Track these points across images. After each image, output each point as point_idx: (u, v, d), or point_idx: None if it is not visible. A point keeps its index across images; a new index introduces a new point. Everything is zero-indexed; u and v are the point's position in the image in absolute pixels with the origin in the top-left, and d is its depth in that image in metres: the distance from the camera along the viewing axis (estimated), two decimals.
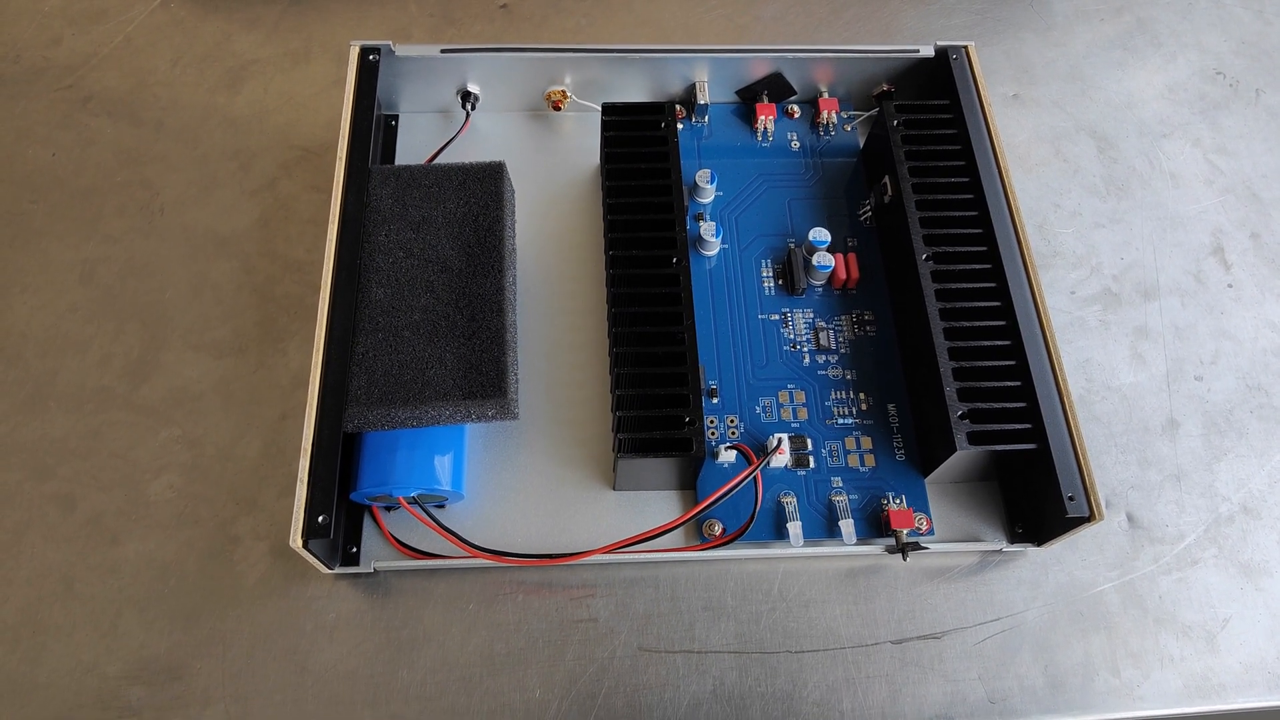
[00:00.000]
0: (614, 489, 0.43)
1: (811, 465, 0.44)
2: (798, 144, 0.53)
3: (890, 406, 0.45)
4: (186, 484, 0.43)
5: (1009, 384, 0.41)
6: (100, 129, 0.53)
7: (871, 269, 0.49)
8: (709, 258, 0.49)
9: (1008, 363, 0.42)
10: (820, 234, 0.48)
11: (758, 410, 0.45)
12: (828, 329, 0.47)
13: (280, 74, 0.56)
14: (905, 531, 0.41)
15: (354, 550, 0.41)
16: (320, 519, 0.36)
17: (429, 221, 0.44)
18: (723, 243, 0.50)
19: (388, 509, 0.42)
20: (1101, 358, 0.49)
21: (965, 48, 0.50)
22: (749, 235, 0.50)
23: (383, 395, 0.39)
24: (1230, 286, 0.52)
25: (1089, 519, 0.38)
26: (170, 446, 0.44)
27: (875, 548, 0.42)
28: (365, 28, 0.58)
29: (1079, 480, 0.39)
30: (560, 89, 0.52)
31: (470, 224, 0.44)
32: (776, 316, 0.48)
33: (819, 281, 0.49)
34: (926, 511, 0.43)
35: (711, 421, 0.45)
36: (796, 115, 0.54)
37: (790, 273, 0.48)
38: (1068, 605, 0.42)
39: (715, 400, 0.45)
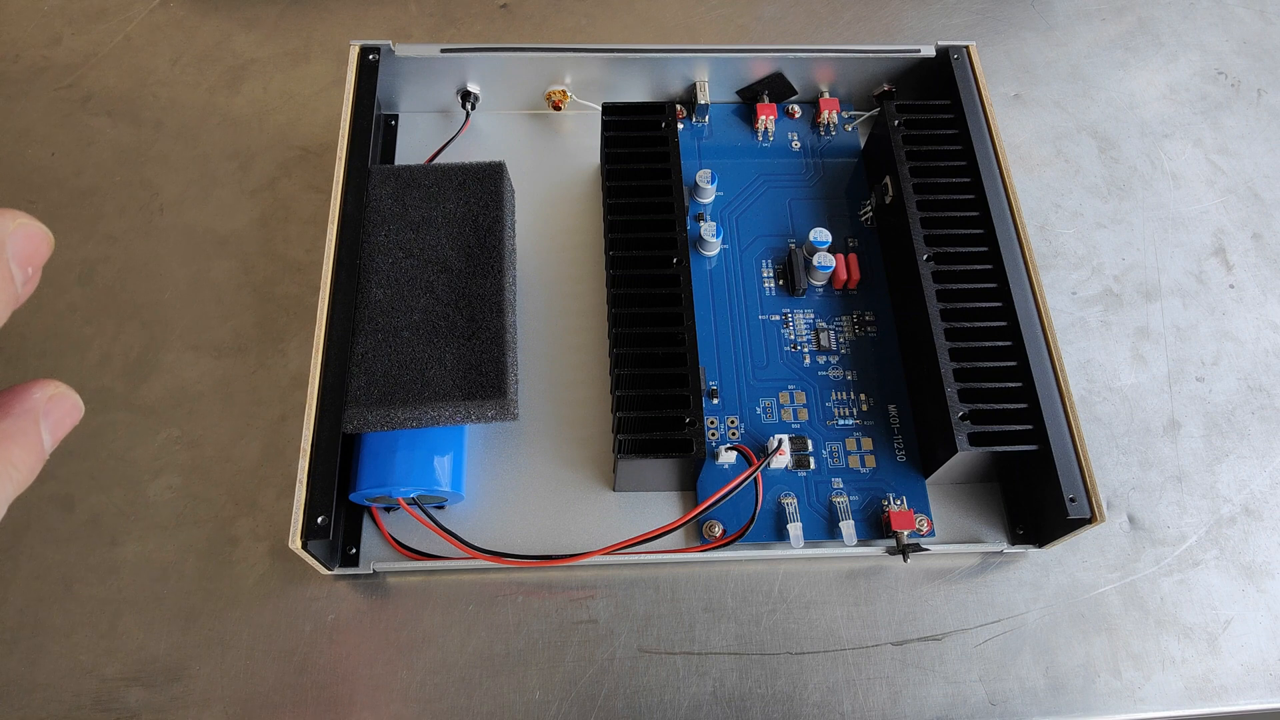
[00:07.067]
0: (614, 490, 0.43)
1: (812, 466, 0.44)
2: (798, 144, 0.53)
3: (891, 407, 0.45)
4: (186, 485, 0.43)
5: (1010, 385, 0.41)
6: (100, 129, 0.53)
7: (872, 269, 0.49)
8: (709, 258, 0.49)
9: (1009, 363, 0.42)
10: (821, 234, 0.48)
11: (758, 411, 0.45)
12: (828, 329, 0.47)
13: (280, 74, 0.56)
14: (906, 533, 0.41)
15: (353, 551, 0.41)
16: (319, 520, 0.36)
17: (429, 221, 0.44)
18: (723, 243, 0.49)
19: (387, 510, 0.42)
20: (1103, 358, 0.49)
21: (966, 48, 0.50)
22: (749, 235, 0.50)
23: (382, 396, 0.39)
24: (1232, 287, 0.51)
25: (1090, 520, 0.38)
26: (169, 447, 0.44)
27: (876, 549, 0.42)
28: (365, 27, 0.58)
29: (1080, 481, 0.39)
30: (560, 89, 0.52)
31: (470, 224, 0.44)
32: (777, 317, 0.48)
33: (819, 282, 0.49)
34: (927, 513, 0.43)
35: (712, 422, 0.44)
36: (797, 115, 0.54)
37: (791, 273, 0.48)
38: (1069, 607, 0.42)
39: (715, 401, 0.45)
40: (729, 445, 0.43)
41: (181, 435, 0.44)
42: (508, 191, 0.46)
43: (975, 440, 0.40)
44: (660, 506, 0.43)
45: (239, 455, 0.44)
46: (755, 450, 0.43)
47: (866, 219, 0.51)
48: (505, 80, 0.52)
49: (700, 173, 0.50)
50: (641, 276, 0.43)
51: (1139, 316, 0.50)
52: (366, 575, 0.41)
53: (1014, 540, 0.43)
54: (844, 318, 0.48)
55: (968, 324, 0.42)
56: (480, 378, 0.40)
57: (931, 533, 0.43)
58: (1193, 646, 0.41)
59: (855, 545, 0.41)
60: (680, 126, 0.50)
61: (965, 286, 0.43)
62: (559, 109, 0.54)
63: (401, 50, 0.49)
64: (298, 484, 0.37)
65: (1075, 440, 0.40)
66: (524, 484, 0.43)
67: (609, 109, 0.48)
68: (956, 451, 0.39)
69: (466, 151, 0.51)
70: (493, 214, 0.44)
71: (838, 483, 0.43)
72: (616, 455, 0.39)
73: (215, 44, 0.57)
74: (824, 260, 0.47)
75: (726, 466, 0.43)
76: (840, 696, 0.40)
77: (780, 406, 0.45)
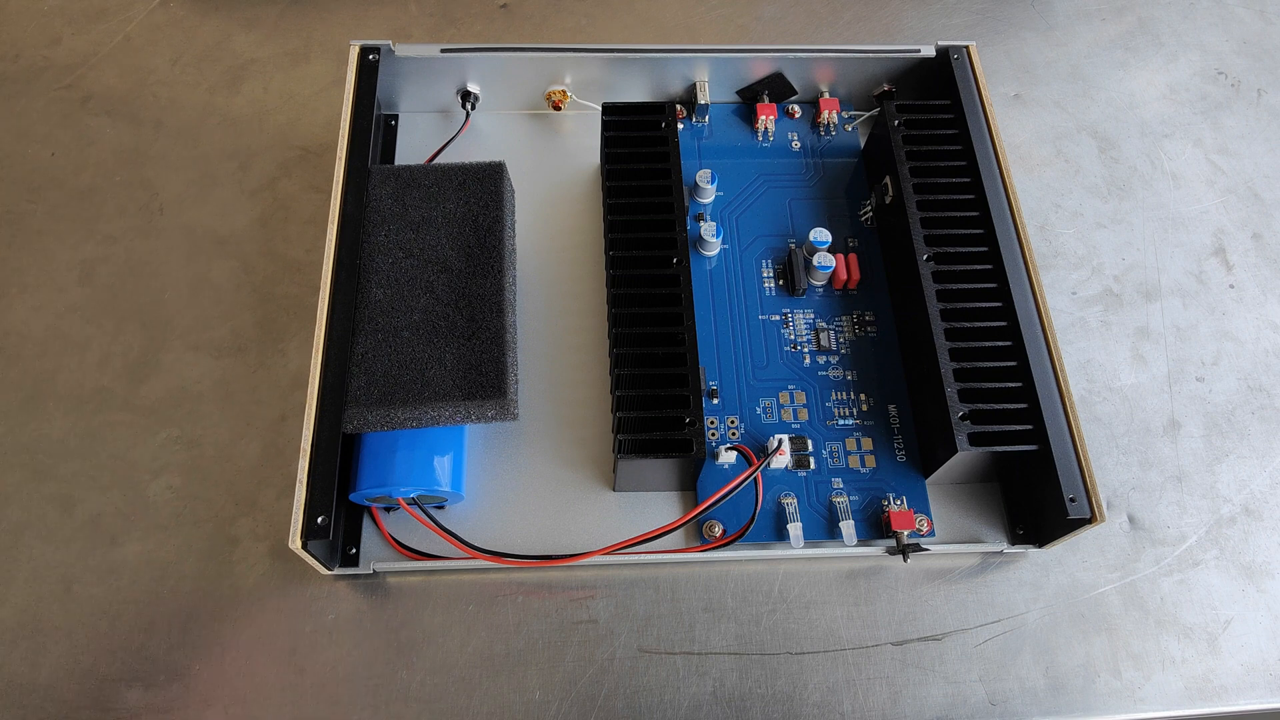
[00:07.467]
0: (614, 490, 0.43)
1: (812, 466, 0.44)
2: (798, 144, 0.53)
3: (891, 407, 0.45)
4: (185, 485, 0.43)
5: (1010, 385, 0.41)
6: (100, 129, 0.53)
7: (872, 269, 0.49)
8: (709, 258, 0.49)
9: (1009, 363, 0.42)
10: (821, 234, 0.48)
11: (758, 411, 0.45)
12: (828, 329, 0.47)
13: (280, 73, 0.56)
14: (906, 533, 0.41)
15: (353, 551, 0.41)
16: (319, 520, 0.36)
17: (429, 221, 0.44)
18: (723, 243, 0.49)
19: (387, 510, 0.42)
20: (1103, 358, 0.49)
21: (966, 48, 0.50)
22: (749, 235, 0.50)
23: (382, 396, 0.39)
24: (1232, 287, 0.51)
25: (1090, 520, 0.38)
26: (169, 447, 0.44)
27: (876, 549, 0.42)
28: (365, 27, 0.58)
29: (1080, 481, 0.39)
30: (560, 89, 0.52)
31: (470, 224, 0.44)
32: (777, 317, 0.48)
33: (819, 282, 0.49)
34: (927, 513, 0.43)
35: (712, 422, 0.44)
36: (797, 115, 0.54)
37: (791, 273, 0.48)
38: (1069, 607, 0.42)
39: (715, 401, 0.45)
40: (729, 445, 0.43)
41: (181, 435, 0.44)
42: (508, 191, 0.46)
43: (975, 440, 0.40)
44: (660, 506, 0.43)
45: (239, 455, 0.44)
46: (755, 450, 0.43)
47: (866, 219, 0.51)
48: (505, 80, 0.52)
49: (700, 173, 0.50)
50: (641, 276, 0.43)
51: (1139, 316, 0.50)
52: (366, 575, 0.41)
53: (1014, 540, 0.43)
54: (844, 318, 0.48)
55: (968, 324, 0.42)
56: (480, 378, 0.40)
57: (931, 533, 0.43)
58: (1193, 646, 0.41)
59: (855, 545, 0.41)
60: (680, 126, 0.51)
61: (965, 286, 0.43)
62: (559, 109, 0.54)
63: (401, 50, 0.49)
64: (298, 484, 0.37)
65: (1075, 440, 0.40)
66: (524, 484, 0.43)
67: (609, 109, 0.48)
68: (956, 451, 0.39)
69: (466, 151, 0.51)
70: (493, 214, 0.44)
71: (838, 483, 0.43)
72: (616, 455, 0.39)
73: (215, 44, 0.57)
74: (824, 260, 0.47)
75: (726, 466, 0.43)
76: (840, 696, 0.40)
77: (780, 406, 0.45)
